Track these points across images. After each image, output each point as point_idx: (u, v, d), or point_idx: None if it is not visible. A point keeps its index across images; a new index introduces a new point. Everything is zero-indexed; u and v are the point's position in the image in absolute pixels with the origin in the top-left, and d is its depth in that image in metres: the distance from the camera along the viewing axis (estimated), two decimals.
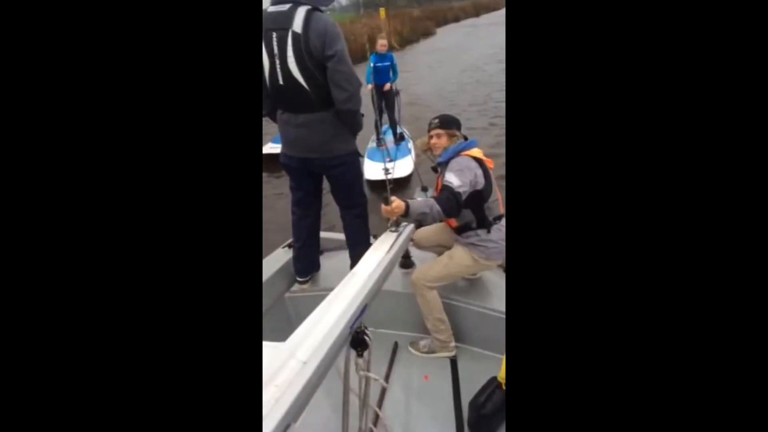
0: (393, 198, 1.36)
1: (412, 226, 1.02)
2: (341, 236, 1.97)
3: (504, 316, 1.64)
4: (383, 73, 4.59)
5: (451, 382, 1.55)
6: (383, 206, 1.36)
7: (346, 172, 1.68)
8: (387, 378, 1.56)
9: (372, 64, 4.51)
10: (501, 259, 1.64)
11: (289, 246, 2.06)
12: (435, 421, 1.40)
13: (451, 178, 1.42)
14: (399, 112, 4.96)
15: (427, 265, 1.64)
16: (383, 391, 1.50)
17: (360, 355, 0.73)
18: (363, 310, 0.68)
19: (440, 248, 1.78)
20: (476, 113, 7.40)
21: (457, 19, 28.06)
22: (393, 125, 4.92)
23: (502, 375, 1.36)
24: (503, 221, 1.61)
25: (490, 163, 1.57)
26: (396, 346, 1.73)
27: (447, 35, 20.52)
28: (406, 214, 1.34)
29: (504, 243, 1.61)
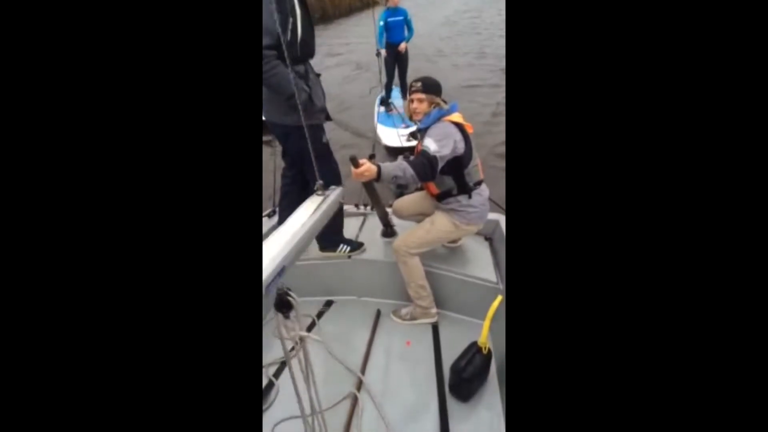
0: (362, 160, 1.31)
1: (340, 189, 0.99)
2: None
3: (484, 283, 1.66)
4: (397, 30, 4.18)
5: (432, 347, 1.58)
6: (353, 169, 1.31)
7: (290, 145, 1.62)
8: (370, 344, 1.58)
9: (383, 21, 4.13)
10: (481, 223, 1.64)
11: (273, 213, 2.02)
12: (417, 385, 1.43)
13: (429, 144, 1.38)
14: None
15: (409, 231, 1.64)
16: (366, 357, 1.52)
17: (286, 316, 0.74)
18: (281, 272, 0.68)
19: (421, 217, 1.76)
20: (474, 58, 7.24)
21: None
22: (404, 87, 4.53)
23: (482, 340, 1.38)
24: (483, 186, 1.60)
25: (469, 128, 1.53)
26: (378, 313, 1.75)
27: None
28: (378, 178, 1.31)
29: (484, 207, 1.60)
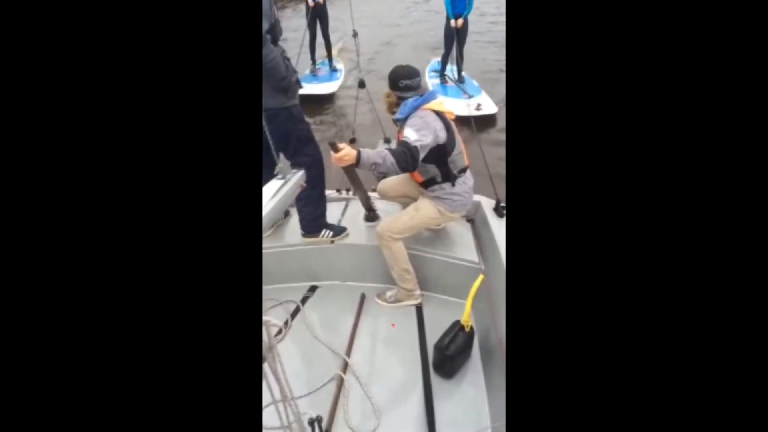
0: (342, 145, 1.30)
1: (300, 173, 0.99)
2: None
3: (467, 264, 1.69)
4: (459, 3, 4.29)
5: (417, 328, 1.61)
6: (332, 154, 1.30)
7: (275, 127, 1.58)
8: (355, 328, 1.60)
9: None
10: (465, 210, 1.65)
11: None
12: (402, 365, 1.46)
13: (409, 133, 1.37)
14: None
15: (393, 217, 1.64)
16: (351, 340, 1.54)
17: None
18: None
19: (406, 198, 1.76)
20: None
21: None
22: (460, 62, 4.66)
23: (465, 318, 1.41)
24: (468, 173, 1.61)
25: (450, 115, 1.53)
26: (363, 297, 1.76)
27: None
28: (357, 163, 1.30)
29: (468, 195, 1.61)
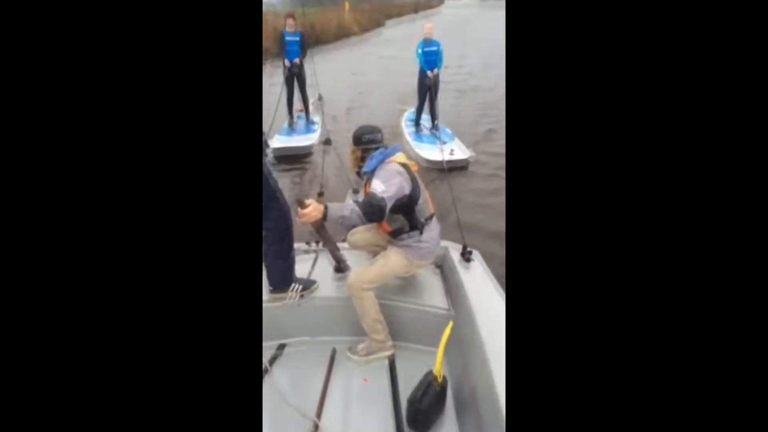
0: (309, 201, 1.33)
1: None
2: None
3: (437, 310, 1.68)
4: (430, 59, 4.71)
5: (389, 381, 1.56)
6: (299, 210, 1.33)
7: None
8: (326, 385, 1.54)
9: (420, 50, 4.66)
10: (433, 257, 1.68)
11: None
12: (375, 423, 1.40)
13: (376, 185, 1.44)
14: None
15: (362, 268, 1.65)
16: (322, 400, 1.48)
17: None
18: None
19: (376, 248, 1.78)
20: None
21: (399, 15, 30.66)
22: (433, 111, 5.06)
23: (437, 369, 1.38)
24: (434, 220, 1.66)
25: (414, 166, 1.61)
26: (334, 352, 1.71)
27: (394, 27, 24.20)
28: (324, 218, 1.33)
29: (435, 242, 1.65)
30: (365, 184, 1.59)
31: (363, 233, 1.81)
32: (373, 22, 23.42)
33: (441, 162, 3.84)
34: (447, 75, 7.17)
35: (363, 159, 1.59)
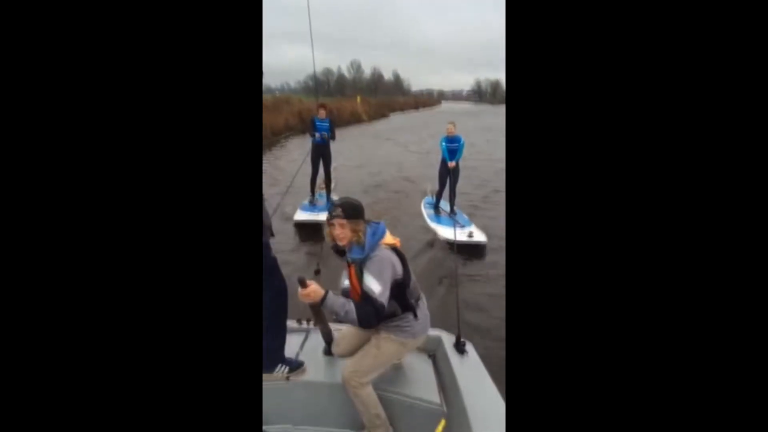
0: (310, 282, 1.31)
1: None
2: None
3: (428, 405, 1.57)
4: (453, 152, 5.43)
5: None
6: (299, 289, 1.32)
7: None
8: None
9: (445, 144, 5.36)
10: (425, 333, 1.58)
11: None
12: None
13: (372, 285, 1.33)
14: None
15: (355, 360, 1.52)
16: None
17: None
18: None
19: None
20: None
21: (402, 109, 36.34)
22: (452, 197, 5.61)
23: None
24: (423, 298, 1.59)
25: (397, 243, 1.49)
26: None
27: (397, 117, 28.65)
28: (321, 303, 1.32)
29: (426, 318, 1.56)
30: (350, 267, 1.46)
31: (348, 340, 1.66)
32: (378, 113, 28.25)
33: (460, 242, 4.15)
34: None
35: (359, 233, 1.39)
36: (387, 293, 1.33)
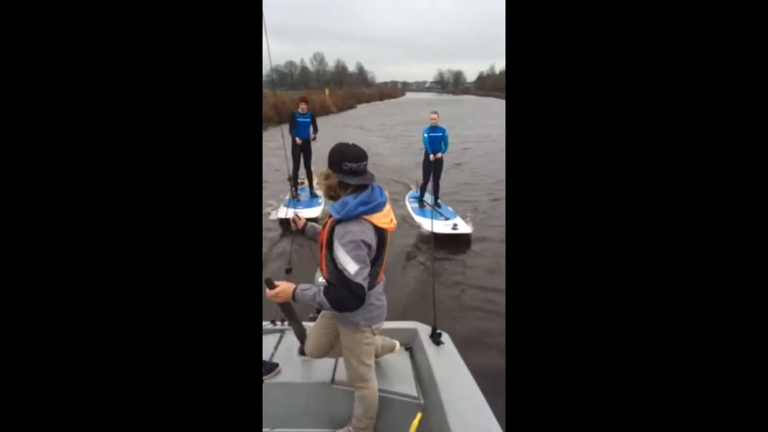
0: (278, 282, 1.23)
1: None
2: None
3: (405, 399, 1.58)
4: (436, 144, 5.25)
5: None
6: (267, 290, 1.20)
7: None
8: None
9: (426, 135, 5.16)
10: (382, 319, 1.40)
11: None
12: None
13: (345, 261, 1.13)
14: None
15: (346, 370, 1.45)
16: None
17: None
18: None
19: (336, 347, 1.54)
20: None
21: (368, 101, 37.89)
22: (437, 190, 5.53)
23: None
24: (382, 283, 1.40)
25: (389, 228, 1.25)
26: None
27: (364, 108, 29.84)
28: (293, 299, 1.22)
29: (383, 300, 1.37)
30: (324, 224, 1.28)
31: (315, 340, 1.51)
32: (346, 105, 29.38)
33: (443, 234, 4.27)
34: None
35: (339, 189, 1.21)
36: (365, 271, 1.14)
